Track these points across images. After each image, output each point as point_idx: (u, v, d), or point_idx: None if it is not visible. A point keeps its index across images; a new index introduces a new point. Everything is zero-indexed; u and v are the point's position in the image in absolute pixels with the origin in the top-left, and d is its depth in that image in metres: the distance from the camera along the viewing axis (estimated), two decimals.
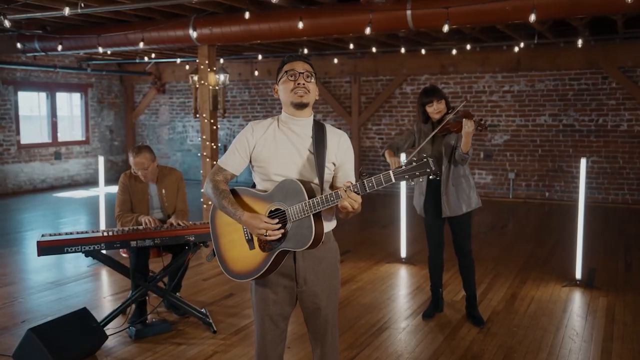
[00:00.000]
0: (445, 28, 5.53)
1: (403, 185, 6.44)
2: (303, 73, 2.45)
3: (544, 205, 10.09)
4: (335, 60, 11.28)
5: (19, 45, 8.07)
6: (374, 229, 8.07)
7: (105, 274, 5.84)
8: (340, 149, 2.53)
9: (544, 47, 9.85)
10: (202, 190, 7.51)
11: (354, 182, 2.31)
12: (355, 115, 11.74)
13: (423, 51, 9.98)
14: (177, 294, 4.77)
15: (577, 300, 5.00)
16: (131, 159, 4.42)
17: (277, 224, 2.39)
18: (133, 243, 4.09)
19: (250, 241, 2.50)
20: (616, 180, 9.92)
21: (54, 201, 10.74)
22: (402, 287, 5.53)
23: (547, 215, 9.15)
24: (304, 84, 2.44)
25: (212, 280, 5.61)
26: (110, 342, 4.08)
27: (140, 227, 4.26)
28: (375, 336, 4.23)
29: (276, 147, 2.49)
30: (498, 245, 7.02)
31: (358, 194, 2.29)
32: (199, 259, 6.39)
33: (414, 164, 2.21)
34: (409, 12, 5.74)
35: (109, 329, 4.24)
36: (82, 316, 3.91)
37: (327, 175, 2.51)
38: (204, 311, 4.54)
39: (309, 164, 2.48)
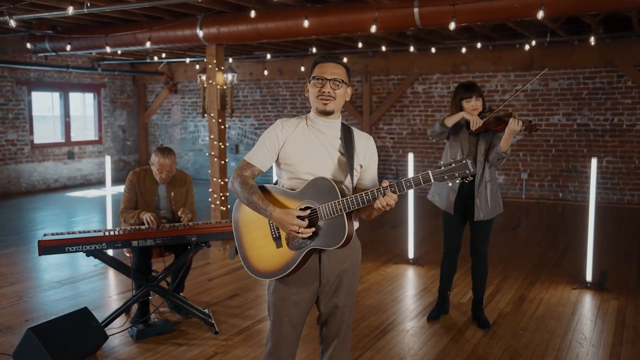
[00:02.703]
0: (452, 26, 5.46)
1: None
2: (330, 80, 2.43)
3: (557, 205, 9.94)
4: (345, 60, 11.21)
5: (29, 45, 8.13)
6: (383, 230, 8.00)
7: (112, 273, 5.84)
8: (368, 152, 2.55)
9: (558, 45, 9.70)
10: (211, 191, 7.50)
11: (376, 185, 2.32)
12: (367, 114, 11.67)
13: (433, 50, 9.89)
14: (181, 294, 4.76)
15: (586, 303, 4.89)
16: (159, 160, 4.38)
17: (307, 220, 2.38)
18: (134, 243, 4.08)
19: (277, 239, 2.47)
20: (632, 180, 9.73)
21: (66, 200, 10.82)
22: (409, 288, 5.46)
23: (561, 216, 9.01)
24: (329, 93, 2.43)
25: (217, 281, 5.59)
26: (112, 342, 4.08)
27: (143, 227, 4.24)
28: (378, 338, 4.17)
29: (306, 146, 2.48)
30: (509, 247, 6.91)
31: (395, 193, 2.28)
32: (206, 258, 6.38)
33: (453, 164, 2.22)
34: (416, 10, 5.67)
35: (112, 328, 4.23)
36: (83, 316, 3.90)
37: (355, 177, 2.51)
38: (207, 311, 4.52)
39: (340, 165, 2.48)
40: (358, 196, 2.31)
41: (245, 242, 2.57)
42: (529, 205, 10.01)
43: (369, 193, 2.30)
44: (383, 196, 2.28)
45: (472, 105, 4.10)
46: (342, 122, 2.55)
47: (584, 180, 9.92)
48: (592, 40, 8.31)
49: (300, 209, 2.41)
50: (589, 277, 5.29)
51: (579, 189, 10.06)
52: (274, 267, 2.47)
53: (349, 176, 2.48)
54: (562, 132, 10.17)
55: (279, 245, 2.46)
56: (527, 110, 10.36)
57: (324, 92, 2.44)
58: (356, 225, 2.56)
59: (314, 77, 2.46)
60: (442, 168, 2.23)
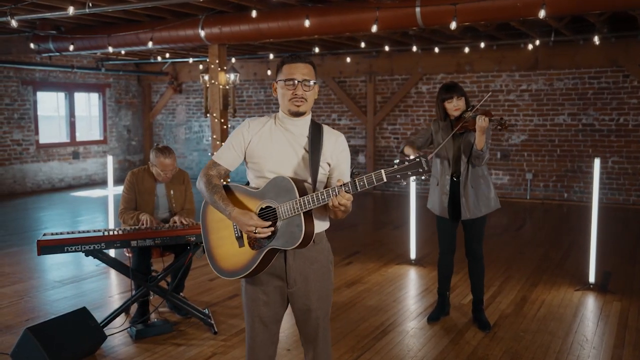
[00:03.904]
0: (453, 25, 5.43)
1: (413, 185, 6.34)
2: (302, 82, 2.41)
3: (562, 206, 9.88)
4: (348, 59, 11.19)
5: (32, 45, 8.16)
6: (385, 230, 7.98)
7: (114, 273, 5.84)
8: (336, 149, 2.50)
9: (563, 44, 9.64)
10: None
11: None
12: (371, 114, 11.65)
13: (436, 49, 9.85)
14: (181, 294, 4.75)
15: (589, 305, 4.85)
16: (159, 160, 4.37)
17: (267, 221, 2.36)
18: (133, 243, 4.07)
19: (239, 238, 2.47)
20: (638, 181, 9.66)
21: (71, 200, 10.86)
22: (410, 289, 5.43)
23: (565, 217, 8.95)
24: (302, 95, 2.41)
25: (218, 281, 5.58)
26: (111, 342, 4.08)
27: (142, 227, 4.24)
28: (377, 339, 4.15)
29: (272, 145, 2.46)
30: (511, 247, 6.87)
31: (349, 192, 2.25)
32: (207, 258, 6.37)
33: (407, 163, 2.17)
34: (417, 10, 5.65)
35: (111, 328, 4.23)
36: (81, 316, 3.90)
37: (322, 175, 2.48)
38: (206, 311, 4.51)
39: (304, 163, 2.45)
40: (314, 195, 2.28)
41: (211, 240, 2.58)
42: (534, 206, 9.96)
43: (324, 192, 2.27)
44: (336, 196, 2.25)
45: (454, 105, 4.12)
46: (312, 120, 2.52)
47: (589, 180, 9.84)
48: (596, 39, 8.25)
49: (261, 209, 2.40)
50: (591, 278, 5.25)
51: (584, 190, 10.00)
52: (235, 267, 2.47)
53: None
54: (567, 132, 10.11)
55: (241, 244, 2.46)
56: (531, 110, 10.31)
57: (296, 94, 2.41)
58: (325, 226, 2.54)
59: (284, 79, 2.42)
60: (395, 167, 2.18)
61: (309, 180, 2.44)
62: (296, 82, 2.40)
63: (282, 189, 2.35)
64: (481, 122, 3.89)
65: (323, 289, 2.55)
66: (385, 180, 2.19)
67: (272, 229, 2.36)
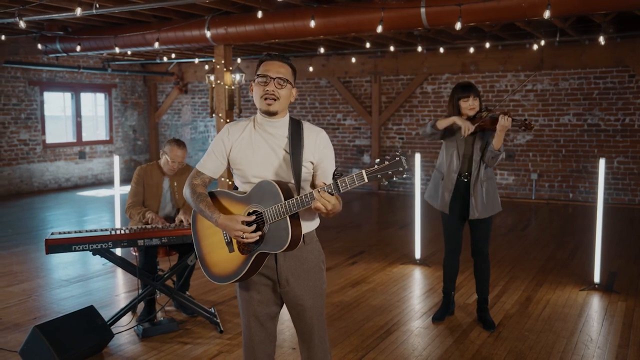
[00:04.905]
0: (458, 25, 5.44)
1: (418, 184, 6.35)
2: (275, 79, 2.40)
3: (567, 206, 9.87)
4: (353, 60, 11.21)
5: (40, 46, 8.22)
6: (391, 230, 7.99)
7: (120, 271, 5.88)
8: (318, 147, 2.48)
9: (568, 44, 9.63)
10: None
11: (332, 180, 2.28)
12: (376, 114, 11.66)
13: (442, 50, 9.86)
14: (187, 293, 4.78)
15: (594, 305, 4.85)
16: (172, 147, 4.51)
17: (254, 225, 2.38)
18: (140, 242, 4.10)
19: (229, 244, 2.48)
20: None
21: (77, 200, 10.92)
22: (415, 288, 5.45)
23: (571, 217, 8.94)
24: (273, 92, 2.39)
25: None
26: (118, 341, 4.11)
27: (149, 227, 4.28)
28: (381, 339, 4.17)
29: (252, 149, 2.47)
30: (517, 247, 6.87)
31: (331, 194, 2.25)
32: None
33: (387, 162, 2.17)
34: (422, 10, 5.67)
35: (118, 327, 4.27)
36: (89, 314, 3.94)
37: (306, 174, 2.48)
38: (212, 310, 4.54)
39: (286, 164, 2.45)
40: (299, 198, 2.28)
41: (203, 246, 2.59)
42: (539, 206, 9.95)
43: (308, 195, 2.27)
44: (319, 198, 2.24)
45: (470, 104, 4.12)
46: (291, 118, 2.50)
47: (595, 180, 9.82)
48: (602, 39, 8.24)
49: (248, 213, 2.41)
50: (597, 278, 5.25)
51: (590, 190, 9.98)
52: (226, 272, 2.49)
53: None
54: (573, 133, 10.10)
55: (231, 250, 2.47)
56: (537, 110, 10.30)
57: (267, 90, 2.40)
58: (314, 225, 2.54)
59: (258, 75, 2.43)
60: (376, 167, 2.18)
61: (293, 181, 2.44)
62: (269, 78, 2.40)
63: (267, 193, 2.36)
64: (504, 121, 3.90)
65: (316, 288, 2.56)
66: (366, 180, 2.19)
67: (260, 233, 2.37)
